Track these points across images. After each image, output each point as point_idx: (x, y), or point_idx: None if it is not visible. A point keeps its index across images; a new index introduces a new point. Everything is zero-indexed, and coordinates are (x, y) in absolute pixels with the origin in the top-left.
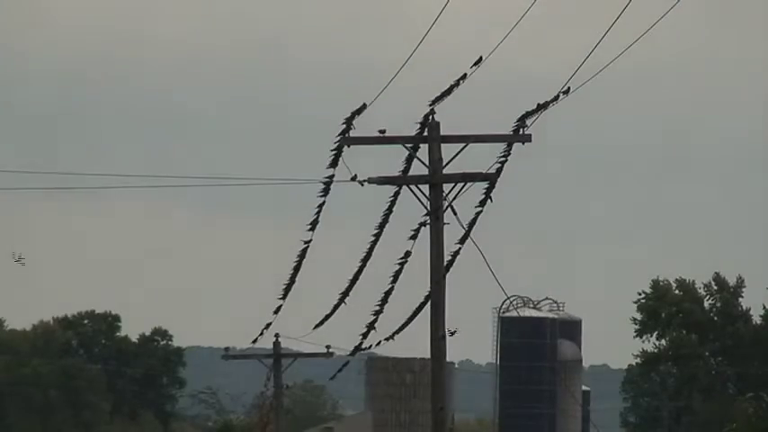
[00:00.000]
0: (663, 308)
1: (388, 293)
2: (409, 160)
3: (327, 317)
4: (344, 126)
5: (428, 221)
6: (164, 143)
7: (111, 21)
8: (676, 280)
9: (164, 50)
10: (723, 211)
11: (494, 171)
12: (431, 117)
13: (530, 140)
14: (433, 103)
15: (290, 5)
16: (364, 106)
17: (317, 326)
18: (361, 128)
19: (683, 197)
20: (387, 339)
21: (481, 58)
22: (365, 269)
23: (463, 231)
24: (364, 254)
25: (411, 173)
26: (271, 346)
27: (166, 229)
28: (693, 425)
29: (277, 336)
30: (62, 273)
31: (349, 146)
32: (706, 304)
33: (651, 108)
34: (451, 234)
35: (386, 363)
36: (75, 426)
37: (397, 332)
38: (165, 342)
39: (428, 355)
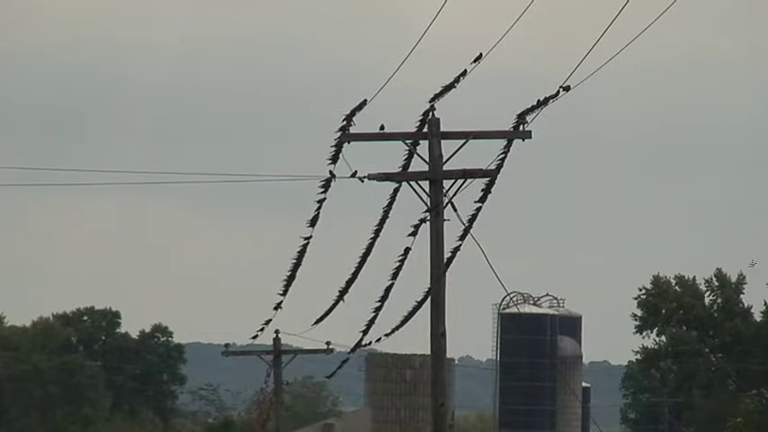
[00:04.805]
0: (663, 304)
1: (388, 290)
2: (409, 157)
3: (327, 313)
4: (345, 122)
5: (428, 218)
6: (164, 141)
7: (111, 20)
8: (675, 276)
9: (164, 50)
10: (724, 208)
11: (494, 167)
12: (431, 113)
13: (530, 137)
14: (433, 99)
15: (291, 4)
16: (364, 102)
17: (316, 322)
18: (361, 124)
19: (684, 194)
20: (387, 336)
21: (481, 54)
22: (365, 265)
23: (463, 228)
24: (364, 250)
25: (411, 169)
26: (271, 342)
27: (167, 226)
28: (693, 421)
29: (277, 332)
30: (62, 269)
31: (349, 142)
32: (707, 300)
33: (651, 105)
34: (452, 230)
35: (386, 359)
36: (75, 422)
37: (397, 329)
38: (165, 339)
39: (428, 352)
